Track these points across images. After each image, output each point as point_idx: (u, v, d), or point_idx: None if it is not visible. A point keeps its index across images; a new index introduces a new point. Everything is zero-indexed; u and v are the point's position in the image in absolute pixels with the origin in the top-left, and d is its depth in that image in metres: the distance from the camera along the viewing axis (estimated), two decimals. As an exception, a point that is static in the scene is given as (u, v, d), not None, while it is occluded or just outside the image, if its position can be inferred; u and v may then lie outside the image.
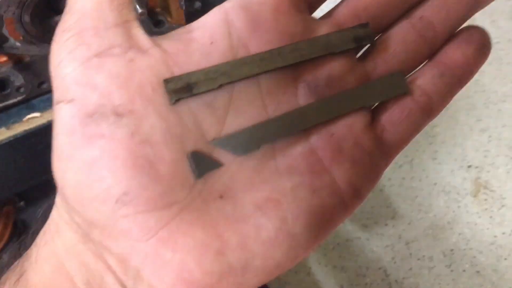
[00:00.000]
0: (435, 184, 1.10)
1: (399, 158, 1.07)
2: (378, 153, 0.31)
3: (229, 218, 0.28)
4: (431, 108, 0.32)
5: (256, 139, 0.29)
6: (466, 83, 0.33)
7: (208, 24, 0.30)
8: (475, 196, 1.13)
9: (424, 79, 0.32)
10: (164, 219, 0.27)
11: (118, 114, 0.26)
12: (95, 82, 0.26)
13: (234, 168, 0.29)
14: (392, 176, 1.08)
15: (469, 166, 1.14)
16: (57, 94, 0.27)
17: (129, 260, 0.27)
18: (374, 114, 0.32)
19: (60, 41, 0.27)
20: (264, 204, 0.29)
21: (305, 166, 0.30)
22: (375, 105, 0.33)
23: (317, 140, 0.30)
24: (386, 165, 0.32)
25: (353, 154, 0.30)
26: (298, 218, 0.29)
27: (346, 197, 0.30)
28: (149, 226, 0.26)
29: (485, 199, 1.12)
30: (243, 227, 0.28)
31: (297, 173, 0.30)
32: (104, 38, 0.27)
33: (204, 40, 0.29)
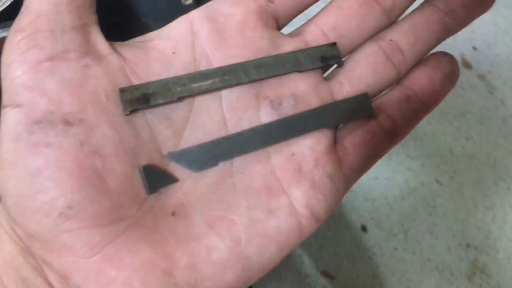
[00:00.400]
0: (429, 259, 1.07)
1: (394, 226, 1.04)
2: (339, 176, 0.30)
3: (180, 237, 0.27)
4: (395, 133, 0.32)
5: (214, 155, 0.28)
6: (432, 109, 0.32)
7: (172, 33, 0.29)
8: (469, 279, 1.09)
9: (390, 103, 0.32)
10: (110, 235, 0.26)
11: (67, 123, 0.25)
12: (45, 87, 0.25)
13: (189, 185, 0.28)
14: (384, 244, 1.05)
15: (468, 246, 1.11)
16: (5, 97, 0.26)
17: (70, 277, 0.25)
18: (337, 135, 0.32)
19: (13, 41, 0.26)
20: (217, 223, 0.28)
21: (262, 186, 0.29)
22: (339, 126, 0.32)
23: (277, 159, 0.30)
24: (346, 189, 0.31)
25: (312, 176, 0.29)
26: (252, 240, 0.28)
27: (303, 220, 0.29)
28: (94, 242, 0.25)
29: (480, 284, 1.08)
30: (193, 246, 0.27)
31: (254, 192, 0.29)
32: (59, 41, 0.26)
33: (166, 49, 0.28)
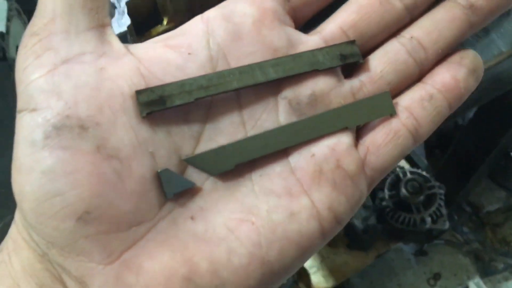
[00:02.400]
0: None
1: None
2: (361, 177, 0.30)
3: (200, 241, 0.26)
4: (417, 132, 0.31)
5: (232, 158, 0.28)
6: (455, 107, 0.32)
7: (188, 33, 0.28)
8: None
9: (412, 101, 0.31)
10: (129, 240, 0.25)
11: (83, 126, 0.25)
12: (61, 91, 0.25)
13: (207, 188, 0.28)
14: None
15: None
16: (20, 101, 0.25)
17: (88, 283, 0.25)
18: (358, 135, 0.31)
19: (27, 45, 0.26)
20: (237, 226, 0.27)
21: (282, 188, 0.28)
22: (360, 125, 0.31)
23: (297, 160, 0.29)
24: (368, 190, 0.31)
25: (334, 177, 0.29)
26: (273, 244, 0.27)
27: (325, 222, 0.28)
28: (112, 248, 0.25)
29: None
30: (214, 251, 0.26)
31: (274, 194, 0.28)
32: (75, 43, 0.26)
33: (182, 50, 0.28)
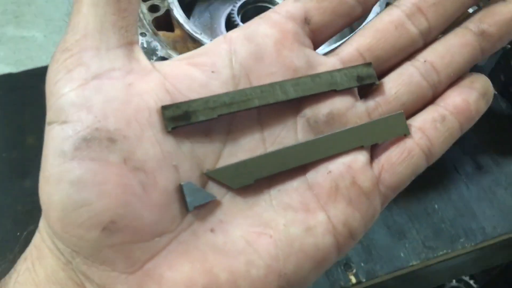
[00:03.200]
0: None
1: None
2: (375, 194, 0.31)
3: (219, 253, 0.27)
4: (430, 152, 0.32)
5: (252, 173, 0.29)
6: (466, 129, 0.33)
7: (211, 52, 0.29)
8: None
9: (425, 122, 0.32)
10: (151, 250, 0.26)
11: (111, 139, 0.25)
12: (91, 105, 0.25)
13: (227, 201, 0.28)
14: None
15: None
16: (50, 114, 0.26)
17: None
18: (373, 153, 0.32)
19: (59, 60, 0.26)
20: (255, 239, 0.28)
21: (300, 203, 0.29)
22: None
23: (314, 176, 0.30)
24: (382, 207, 0.31)
25: (349, 194, 0.30)
26: (290, 257, 0.28)
27: (340, 237, 0.29)
28: (135, 258, 0.25)
29: None
30: (233, 262, 0.27)
31: (292, 209, 0.29)
32: (105, 59, 0.27)
33: (206, 68, 0.29)
